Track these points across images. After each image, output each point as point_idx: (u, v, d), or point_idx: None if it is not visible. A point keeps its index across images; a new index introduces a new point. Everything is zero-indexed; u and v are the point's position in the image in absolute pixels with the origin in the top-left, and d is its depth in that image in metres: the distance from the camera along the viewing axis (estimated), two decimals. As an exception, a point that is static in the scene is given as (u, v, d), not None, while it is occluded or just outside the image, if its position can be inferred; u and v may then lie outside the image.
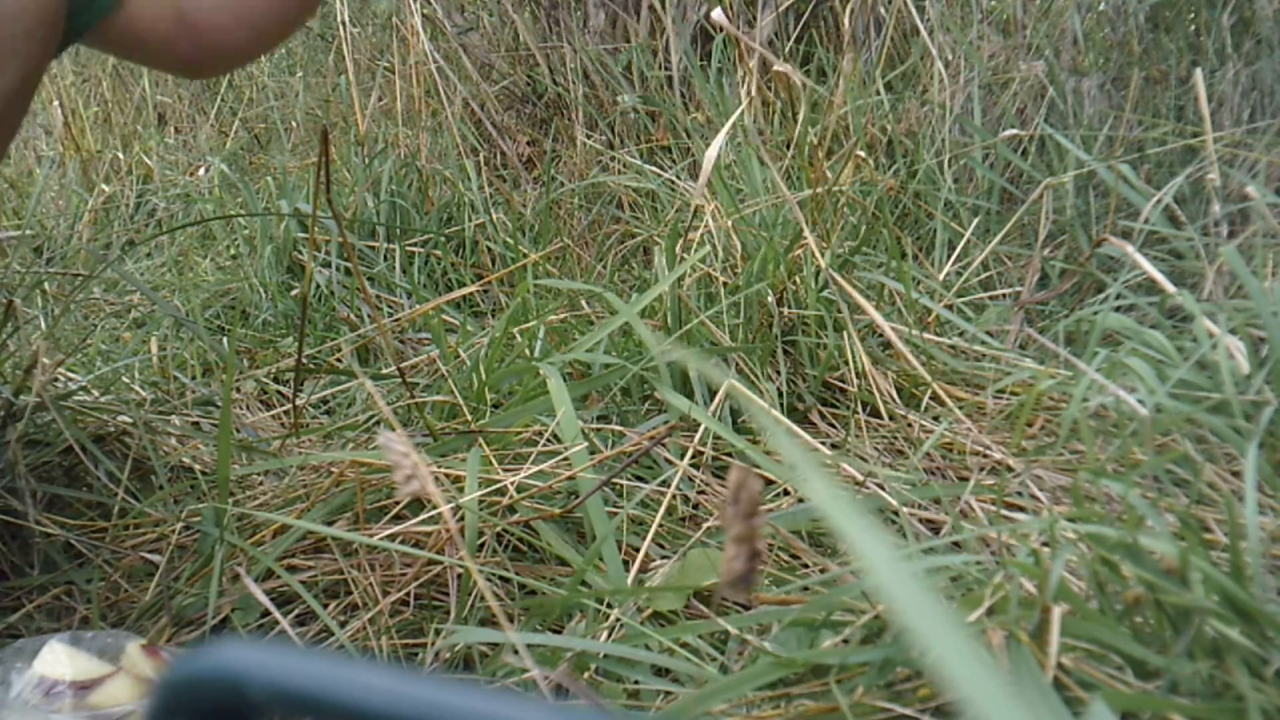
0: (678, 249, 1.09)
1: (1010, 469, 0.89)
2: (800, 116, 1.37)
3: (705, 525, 0.82)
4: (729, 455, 0.90)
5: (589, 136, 1.92)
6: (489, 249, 1.62)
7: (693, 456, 0.89)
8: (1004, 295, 1.29)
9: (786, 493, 0.86)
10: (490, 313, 1.48)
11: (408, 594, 0.74)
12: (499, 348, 0.99)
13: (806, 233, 1.04)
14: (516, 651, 0.61)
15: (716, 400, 0.93)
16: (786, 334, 1.08)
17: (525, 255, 1.52)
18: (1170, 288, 0.92)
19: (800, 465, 0.19)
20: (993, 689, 0.15)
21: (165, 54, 0.88)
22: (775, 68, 1.22)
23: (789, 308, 1.08)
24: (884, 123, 1.58)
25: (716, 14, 1.20)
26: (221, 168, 2.10)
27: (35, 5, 0.65)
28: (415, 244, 1.60)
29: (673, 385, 1.01)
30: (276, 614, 0.69)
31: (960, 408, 1.03)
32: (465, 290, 1.31)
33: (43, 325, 1.35)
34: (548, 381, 0.83)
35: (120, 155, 2.36)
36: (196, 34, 0.88)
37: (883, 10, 1.78)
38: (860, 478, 0.88)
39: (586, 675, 0.65)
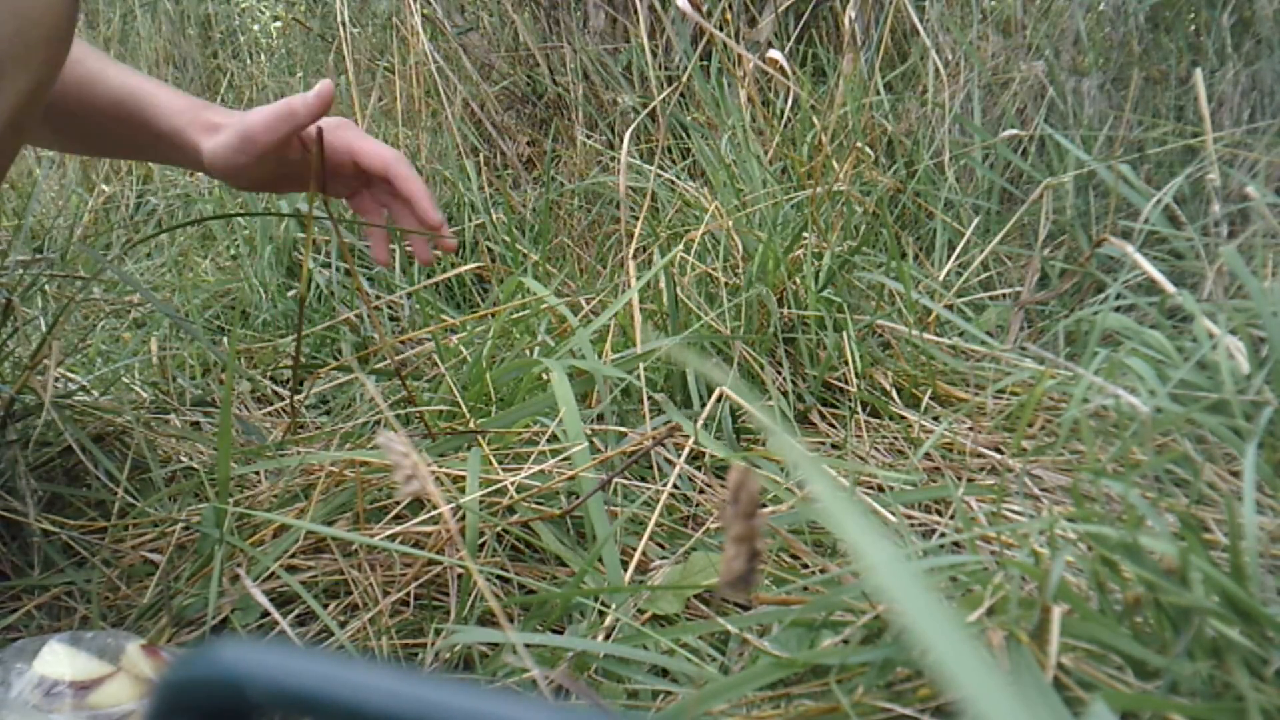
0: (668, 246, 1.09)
1: (1010, 469, 0.89)
2: (785, 110, 1.37)
3: (706, 525, 0.82)
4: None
5: (589, 136, 1.92)
6: (489, 249, 1.62)
7: (693, 457, 0.89)
8: (1004, 295, 1.29)
9: (782, 496, 0.86)
10: (492, 314, 1.48)
11: (408, 594, 0.74)
12: (495, 340, 0.99)
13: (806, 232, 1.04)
14: (516, 651, 0.61)
15: (710, 405, 0.93)
16: (787, 334, 1.08)
17: (525, 255, 1.52)
18: (1170, 288, 0.92)
19: (801, 466, 0.19)
20: (992, 689, 0.15)
21: None
22: (769, 55, 1.22)
23: (789, 308, 1.08)
24: (884, 123, 1.58)
25: (682, 3, 1.21)
26: (221, 168, 2.09)
27: (52, 10, 0.64)
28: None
29: (675, 384, 1.01)
30: (276, 614, 0.69)
31: (960, 408, 1.03)
32: (454, 272, 1.30)
33: (43, 325, 1.35)
34: (551, 377, 0.83)
35: (120, 155, 2.36)
36: None
37: (882, 7, 1.78)
38: (861, 478, 0.88)
39: (586, 675, 0.65)
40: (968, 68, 1.63)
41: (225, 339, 1.46)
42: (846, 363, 1.05)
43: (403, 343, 1.24)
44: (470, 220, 1.65)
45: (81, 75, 0.87)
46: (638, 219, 1.20)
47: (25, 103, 0.65)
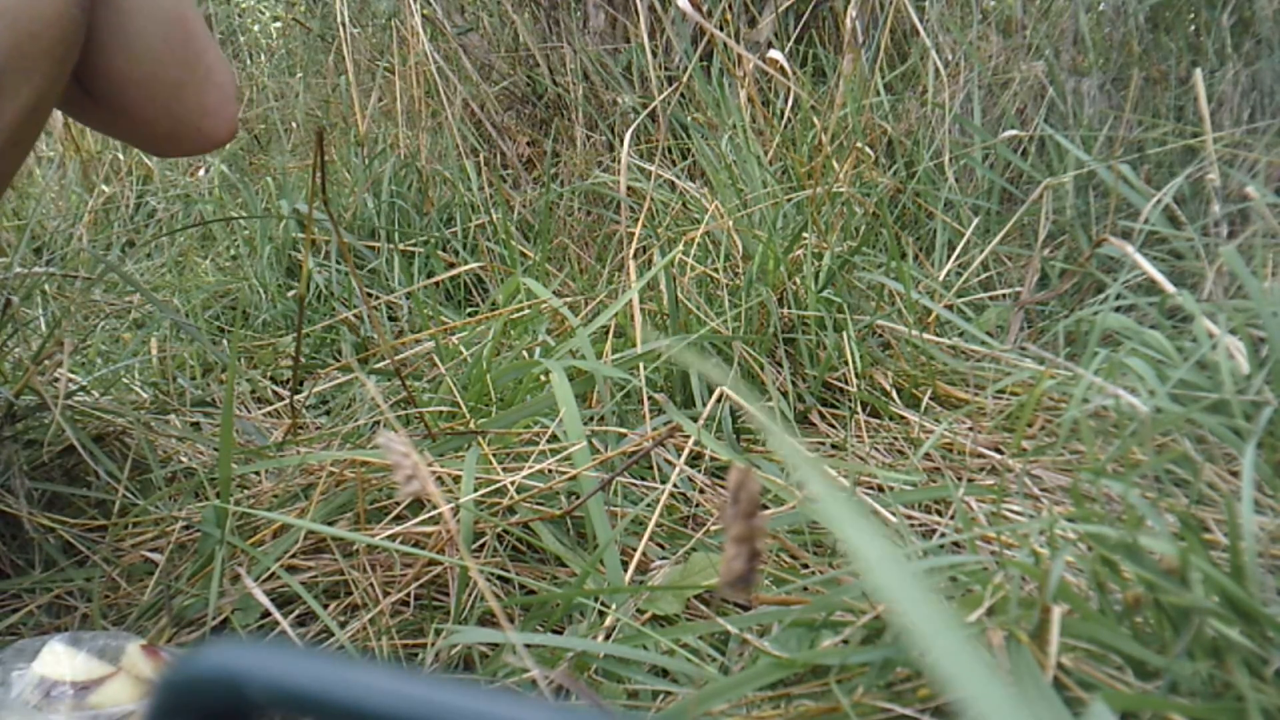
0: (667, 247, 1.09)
1: (1010, 469, 0.89)
2: (785, 110, 1.37)
3: (706, 526, 0.82)
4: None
5: (589, 137, 1.92)
6: (489, 249, 1.62)
7: (693, 458, 0.89)
8: (1004, 295, 1.29)
9: (782, 497, 0.86)
10: (489, 317, 1.48)
11: (408, 594, 0.74)
12: (497, 340, 0.99)
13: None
14: (516, 652, 0.61)
15: (710, 405, 0.93)
16: (786, 334, 1.08)
17: (525, 256, 1.52)
18: (1170, 288, 0.92)
19: (799, 467, 0.19)
20: (991, 688, 0.15)
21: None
22: (769, 55, 1.22)
23: (789, 308, 1.08)
24: (884, 123, 1.58)
25: (682, 3, 1.21)
26: (221, 168, 2.10)
27: (55, 24, 0.64)
28: (415, 244, 1.61)
29: (674, 384, 1.01)
30: (276, 614, 0.69)
31: (960, 408, 1.03)
32: (451, 273, 1.30)
33: (43, 326, 1.35)
34: (551, 377, 0.83)
35: (120, 155, 2.36)
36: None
37: (883, 8, 1.78)
38: (861, 478, 0.88)
39: (586, 675, 0.64)
40: (968, 68, 1.63)
41: (225, 339, 1.46)
42: (846, 363, 1.05)
43: (403, 343, 1.24)
44: (470, 221, 1.65)
45: None
46: (638, 219, 1.20)
47: (26, 116, 0.65)
